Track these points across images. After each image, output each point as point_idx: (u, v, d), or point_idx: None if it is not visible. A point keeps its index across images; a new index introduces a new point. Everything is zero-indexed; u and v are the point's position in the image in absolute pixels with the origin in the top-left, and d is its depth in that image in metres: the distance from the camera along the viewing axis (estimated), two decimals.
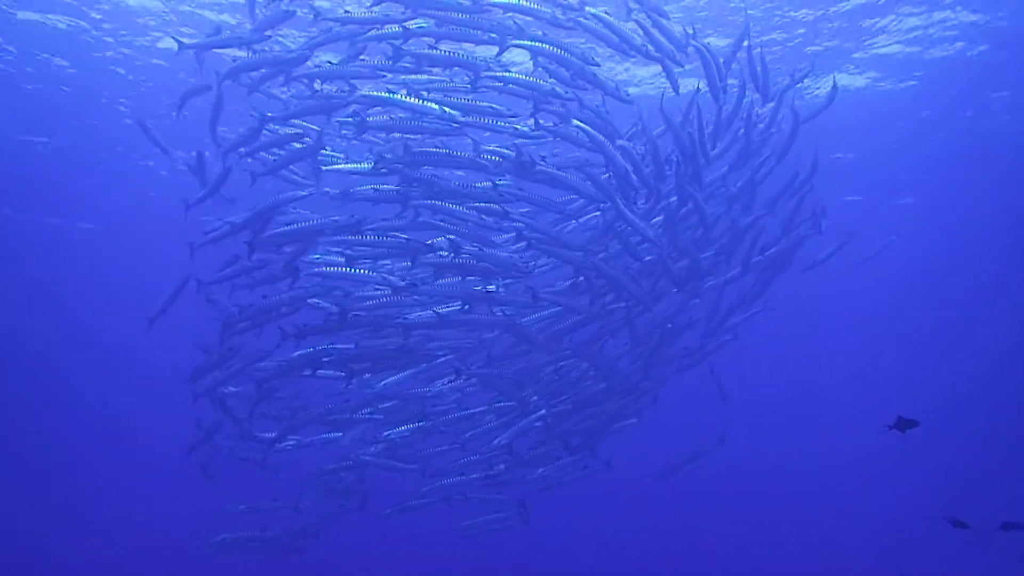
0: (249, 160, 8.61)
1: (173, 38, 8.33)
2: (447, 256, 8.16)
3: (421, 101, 7.68)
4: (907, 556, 28.99)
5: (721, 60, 9.64)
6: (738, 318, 11.83)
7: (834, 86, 11.48)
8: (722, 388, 13.59)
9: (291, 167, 9.03)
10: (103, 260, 25.56)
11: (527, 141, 8.27)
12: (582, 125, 8.16)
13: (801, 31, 15.47)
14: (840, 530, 31.70)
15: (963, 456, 30.83)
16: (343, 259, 8.18)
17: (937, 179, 22.51)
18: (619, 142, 8.50)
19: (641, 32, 8.71)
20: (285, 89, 8.71)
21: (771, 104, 10.46)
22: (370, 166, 7.93)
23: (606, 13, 8.29)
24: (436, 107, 7.69)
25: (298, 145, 8.50)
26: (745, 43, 10.03)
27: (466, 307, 8.71)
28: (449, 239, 8.21)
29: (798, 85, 11.01)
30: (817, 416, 35.09)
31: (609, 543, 32.14)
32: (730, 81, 9.70)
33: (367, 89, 8.00)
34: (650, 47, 8.66)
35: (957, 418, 29.99)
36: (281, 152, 8.71)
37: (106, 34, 15.58)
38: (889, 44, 16.17)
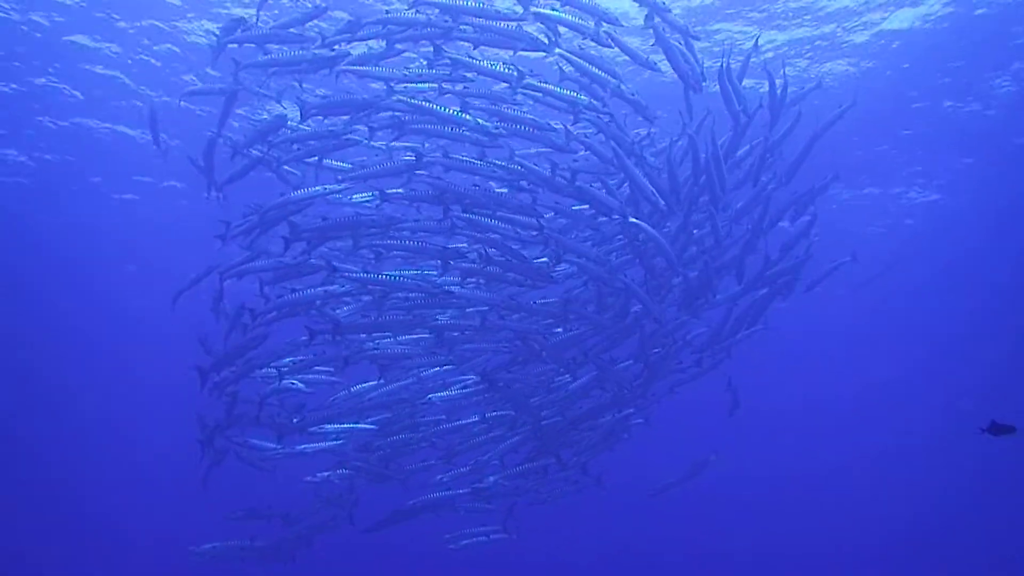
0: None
1: (212, 33, 8.34)
2: (476, 262, 8.24)
3: (457, 112, 7.76)
4: (909, 565, 29.33)
5: (736, 66, 9.55)
6: (736, 337, 11.75)
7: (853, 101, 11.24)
8: (737, 399, 13.59)
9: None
10: (104, 260, 25.08)
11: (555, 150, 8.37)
12: (617, 148, 8.27)
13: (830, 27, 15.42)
14: (840, 542, 31.99)
15: (965, 467, 30.87)
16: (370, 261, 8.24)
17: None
18: (649, 159, 8.64)
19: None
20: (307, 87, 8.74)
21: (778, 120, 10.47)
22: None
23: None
24: (470, 117, 7.78)
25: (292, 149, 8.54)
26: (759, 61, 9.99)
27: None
28: (477, 246, 8.31)
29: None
30: (819, 427, 35.14)
31: (609, 551, 31.99)
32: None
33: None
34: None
35: (961, 427, 29.86)
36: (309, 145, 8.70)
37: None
38: None
